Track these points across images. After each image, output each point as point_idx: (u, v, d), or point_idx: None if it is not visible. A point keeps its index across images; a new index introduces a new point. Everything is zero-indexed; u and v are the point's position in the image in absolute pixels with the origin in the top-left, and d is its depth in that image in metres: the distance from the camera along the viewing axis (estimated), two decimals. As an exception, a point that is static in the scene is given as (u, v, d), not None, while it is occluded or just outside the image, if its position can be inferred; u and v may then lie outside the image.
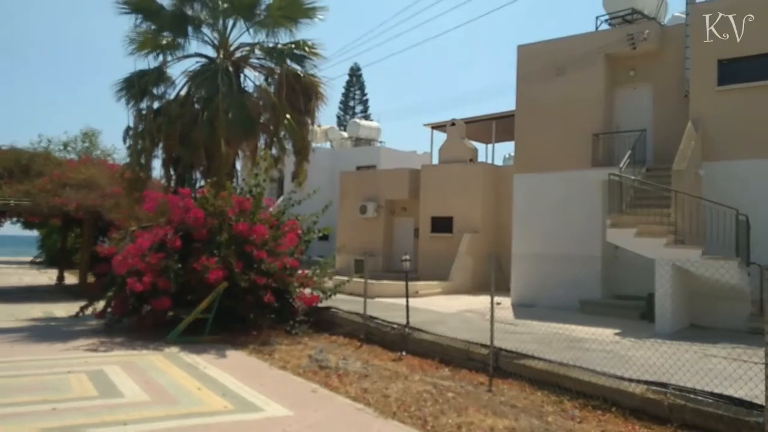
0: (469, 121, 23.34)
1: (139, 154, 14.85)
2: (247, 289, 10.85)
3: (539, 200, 16.55)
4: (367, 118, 45.85)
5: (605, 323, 11.98)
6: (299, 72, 15.39)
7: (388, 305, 12.52)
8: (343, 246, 21.03)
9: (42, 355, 9.27)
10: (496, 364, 7.88)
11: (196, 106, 15.16)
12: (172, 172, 15.73)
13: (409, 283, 17.96)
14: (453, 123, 23.09)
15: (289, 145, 15.60)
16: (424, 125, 25.29)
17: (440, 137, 25.60)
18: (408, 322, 9.99)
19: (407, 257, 10.57)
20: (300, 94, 15.24)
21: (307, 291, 12.29)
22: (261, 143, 15.86)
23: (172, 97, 15.35)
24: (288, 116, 14.85)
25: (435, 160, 24.73)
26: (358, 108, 55.79)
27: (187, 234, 11.29)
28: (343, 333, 11.43)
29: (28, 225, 31.54)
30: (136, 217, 17.77)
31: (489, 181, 22.07)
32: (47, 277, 26.00)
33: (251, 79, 16.19)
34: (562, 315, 13.47)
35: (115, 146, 36.71)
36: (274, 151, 15.64)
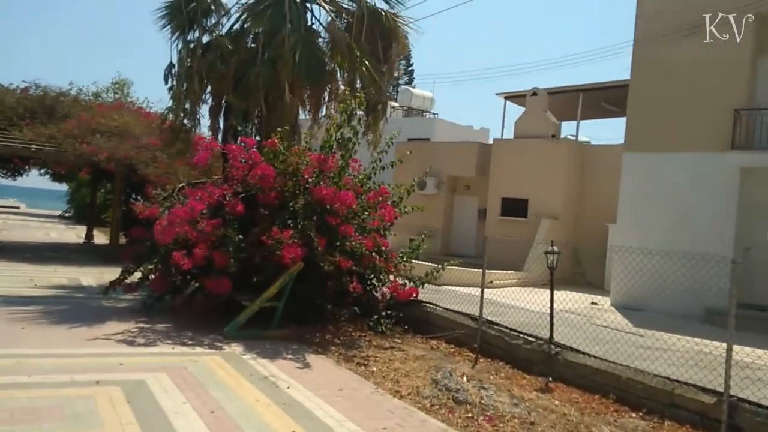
0: (551, 92, 20.40)
1: (184, 98, 12.21)
2: (327, 274, 8.28)
3: (655, 185, 13.74)
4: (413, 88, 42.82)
5: (754, 341, 9.13)
6: (381, 10, 12.61)
7: (464, 297, 9.94)
8: (435, 230, 18.24)
9: (61, 348, 6.81)
10: (731, 421, 5.22)
11: (251, 44, 12.51)
12: (220, 123, 13.15)
13: (435, 265, 15.53)
14: (534, 93, 20.15)
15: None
16: (497, 94, 22.42)
17: (513, 110, 22.79)
18: (552, 336, 7.35)
19: (554, 248, 7.81)
20: (378, 38, 12.49)
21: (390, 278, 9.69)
22: (325, 96, 13.21)
23: (223, 31, 12.72)
24: (366, 62, 12.15)
25: (498, 134, 21.85)
26: (403, 79, 52.39)
27: (248, 197, 8.72)
28: (445, 338, 8.84)
29: (56, 177, 29.47)
30: (175, 173, 15.41)
31: (574, 162, 19.24)
32: (75, 233, 23.86)
33: (317, 17, 13.47)
34: (686, 325, 10.83)
35: (148, 99, 34.00)
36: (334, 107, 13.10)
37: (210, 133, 13.34)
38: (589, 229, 18.93)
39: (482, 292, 8.36)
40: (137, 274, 9.40)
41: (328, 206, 8.46)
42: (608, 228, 17.83)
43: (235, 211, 8.33)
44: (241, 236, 8.26)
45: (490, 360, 7.94)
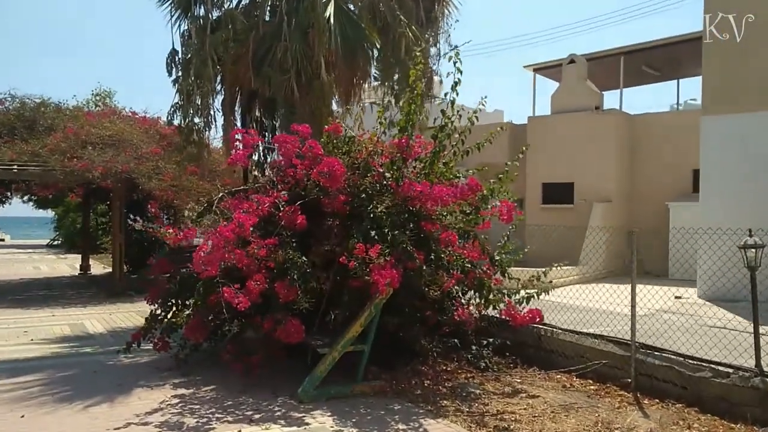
0: (589, 59, 18.29)
1: (191, 91, 9.97)
2: (432, 299, 6.15)
3: (747, 153, 11.67)
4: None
5: None
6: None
7: (545, 305, 7.80)
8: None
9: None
10: None
11: (270, 16, 10.37)
12: (236, 118, 10.94)
13: (536, 270, 13.40)
14: (572, 60, 18.04)
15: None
16: (525, 67, 20.23)
17: (545, 85, 20.73)
18: (760, 363, 5.25)
19: (756, 239, 5.59)
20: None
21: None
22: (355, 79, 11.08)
23: (233, 3, 10.56)
24: (413, 28, 10.04)
25: (513, 116, 19.64)
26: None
27: (306, 204, 6.50)
28: (576, 370, 6.70)
29: (40, 203, 27.02)
30: (184, 186, 13.24)
31: (623, 136, 17.22)
32: (67, 264, 21.53)
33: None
34: None
35: (132, 109, 31.49)
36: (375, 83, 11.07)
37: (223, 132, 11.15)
38: (644, 211, 16.93)
39: (633, 302, 6.24)
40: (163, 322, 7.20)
41: (416, 207, 6.31)
42: (669, 207, 15.87)
43: (293, 224, 6.13)
44: (304, 258, 6.07)
45: (658, 401, 5.79)
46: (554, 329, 7.29)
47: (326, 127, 6.86)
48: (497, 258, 7.00)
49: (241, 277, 5.88)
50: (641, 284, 10.67)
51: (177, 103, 10.02)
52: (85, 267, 18.58)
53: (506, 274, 7.09)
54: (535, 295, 7.26)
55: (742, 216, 11.02)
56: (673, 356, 5.94)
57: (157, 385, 6.34)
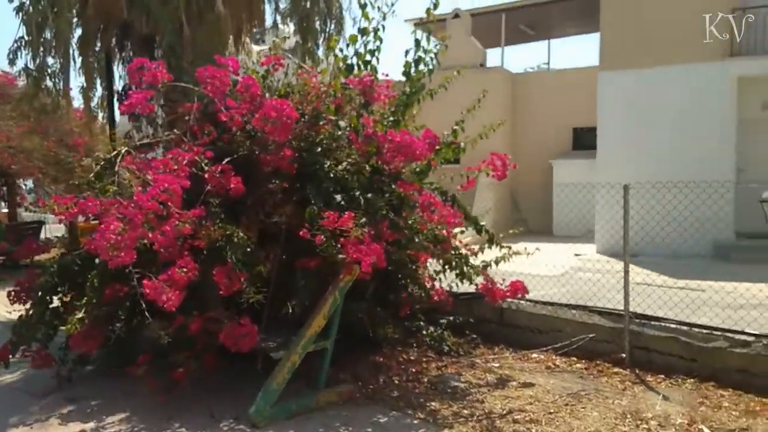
0: (473, 14, 17.77)
1: (42, 23, 7.69)
2: (402, 279, 4.95)
3: (641, 108, 11.81)
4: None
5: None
6: None
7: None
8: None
9: None
10: None
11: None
12: (95, 60, 8.76)
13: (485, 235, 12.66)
14: (457, 15, 17.42)
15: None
16: (406, 21, 19.24)
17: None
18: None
19: None
20: None
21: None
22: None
23: None
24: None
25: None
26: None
27: (239, 160, 4.87)
28: (560, 348, 5.89)
29: None
30: (24, 150, 10.72)
31: (507, 94, 17.07)
32: None
33: None
34: (710, 266, 9.17)
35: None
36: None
37: (83, 79, 8.84)
38: (527, 169, 16.96)
39: (626, 280, 5.52)
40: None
41: (378, 164, 5.01)
42: (552, 165, 16.01)
43: (224, 189, 4.53)
44: (243, 235, 4.53)
45: (663, 377, 5.14)
46: (521, 301, 6.44)
47: (262, 60, 5.27)
48: (482, 224, 5.95)
49: (160, 262, 4.24)
50: (527, 242, 10.30)
51: (22, 38, 7.73)
52: None
53: (497, 244, 6.06)
54: (493, 263, 6.34)
55: (639, 170, 11.08)
56: (675, 325, 5.32)
57: (39, 421, 4.49)
